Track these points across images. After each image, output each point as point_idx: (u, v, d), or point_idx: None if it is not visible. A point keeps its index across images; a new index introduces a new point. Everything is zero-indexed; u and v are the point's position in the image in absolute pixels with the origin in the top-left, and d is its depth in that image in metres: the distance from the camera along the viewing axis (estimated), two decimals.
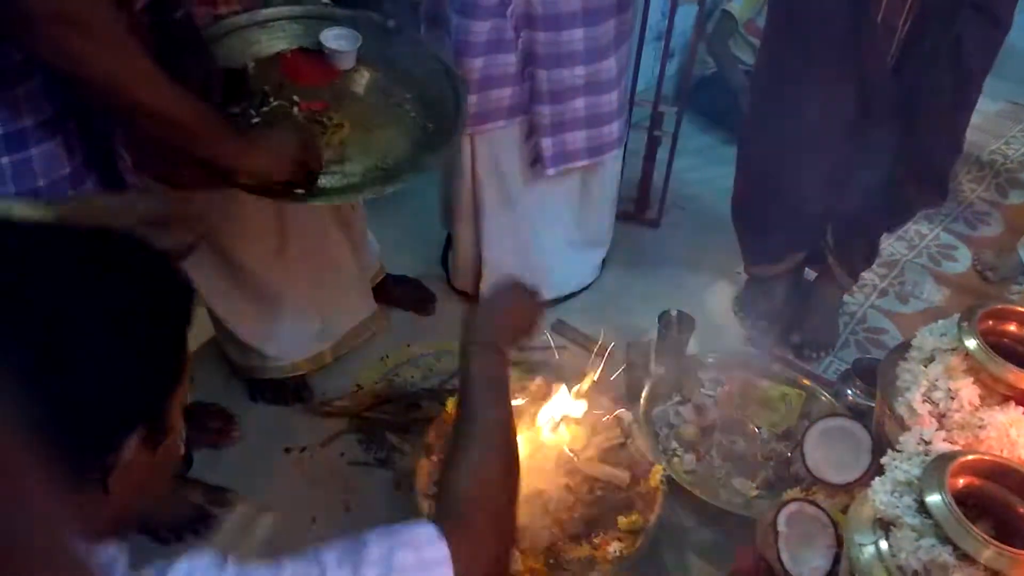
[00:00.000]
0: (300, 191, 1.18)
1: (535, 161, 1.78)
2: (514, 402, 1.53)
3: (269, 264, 1.59)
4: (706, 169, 2.57)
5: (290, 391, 1.74)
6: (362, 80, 1.38)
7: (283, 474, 1.60)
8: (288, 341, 1.71)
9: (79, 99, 0.99)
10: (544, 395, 1.56)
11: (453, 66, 1.46)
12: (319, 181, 1.20)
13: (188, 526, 1.48)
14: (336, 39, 1.36)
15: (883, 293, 2.14)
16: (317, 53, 1.37)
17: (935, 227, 2.40)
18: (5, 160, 0.94)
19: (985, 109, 2.98)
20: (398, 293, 2.00)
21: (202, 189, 1.21)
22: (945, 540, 0.92)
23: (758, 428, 1.64)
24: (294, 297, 1.67)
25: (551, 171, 1.78)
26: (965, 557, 0.91)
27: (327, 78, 1.36)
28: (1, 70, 0.91)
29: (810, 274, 2.02)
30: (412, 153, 1.29)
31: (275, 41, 1.39)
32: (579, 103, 1.72)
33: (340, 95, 1.35)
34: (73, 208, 0.92)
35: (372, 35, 1.40)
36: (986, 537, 0.90)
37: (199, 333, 1.83)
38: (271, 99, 1.31)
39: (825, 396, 1.69)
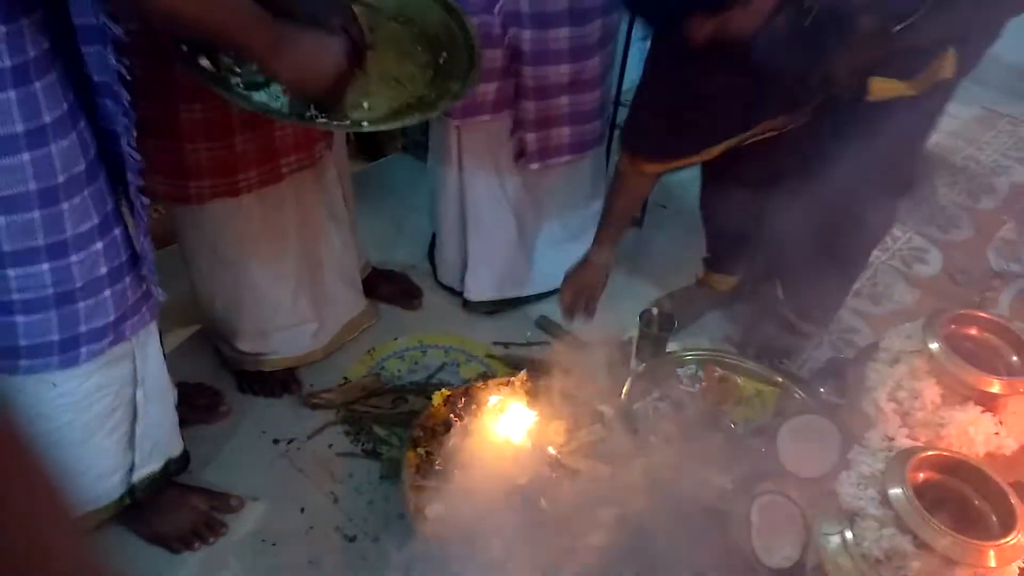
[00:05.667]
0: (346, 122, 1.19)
1: (519, 155, 1.82)
2: (496, 397, 1.61)
3: (270, 265, 1.62)
4: (690, 169, 2.61)
5: (278, 383, 1.78)
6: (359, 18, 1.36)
7: (272, 465, 1.64)
8: (285, 342, 1.75)
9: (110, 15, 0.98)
10: (528, 390, 1.61)
11: None
12: (353, 116, 1.20)
13: (197, 534, 1.49)
14: None
15: (856, 294, 2.21)
16: None
17: (908, 231, 2.47)
18: (12, 93, 0.94)
19: (959, 114, 3.06)
20: (385, 287, 2.04)
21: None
22: (905, 530, 0.98)
23: (734, 424, 1.70)
24: (292, 297, 1.69)
25: (535, 166, 1.82)
26: (924, 546, 0.96)
27: None
28: (10, 1, 0.91)
29: None
30: (436, 84, 1.30)
31: None
32: (563, 100, 1.76)
33: None
34: None
35: None
36: (943, 527, 0.96)
37: (190, 323, 1.86)
38: None
39: (798, 393, 1.75)
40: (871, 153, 1.40)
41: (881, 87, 1.29)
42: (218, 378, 1.78)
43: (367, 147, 2.54)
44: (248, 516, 1.54)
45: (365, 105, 1.23)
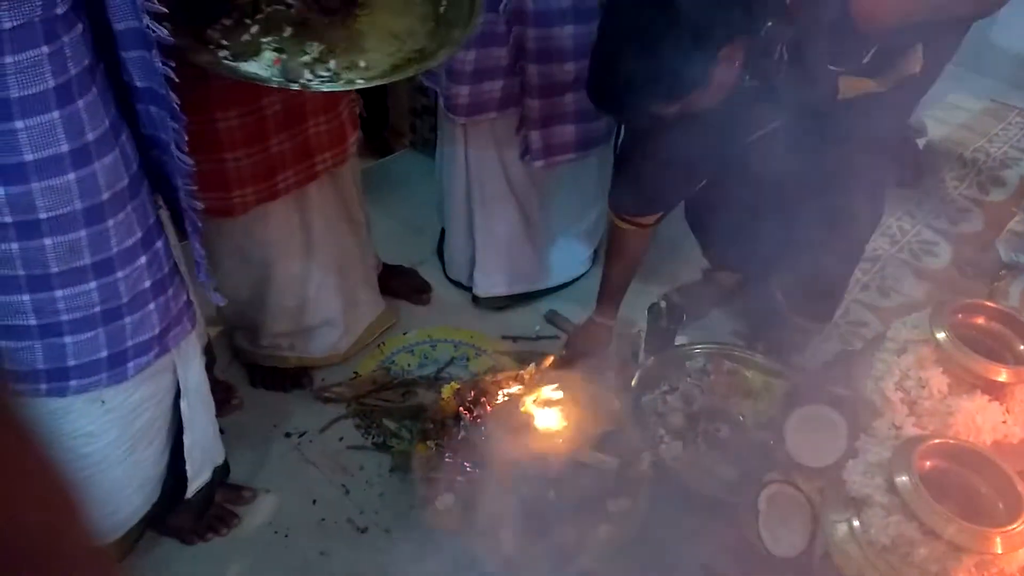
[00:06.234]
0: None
1: (524, 153, 1.83)
2: (506, 391, 1.62)
3: (294, 266, 1.64)
4: None
5: (291, 378, 1.79)
6: None
7: (284, 458, 1.66)
8: (309, 342, 1.77)
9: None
10: (536, 383, 1.62)
11: None
12: (347, 76, 1.18)
13: (211, 526, 1.50)
14: None
15: (865, 287, 2.21)
16: None
17: (917, 223, 2.46)
18: (56, 114, 0.93)
19: (969, 107, 3.05)
20: (394, 283, 2.05)
21: None
22: (912, 517, 0.98)
23: (742, 416, 1.70)
24: (316, 298, 1.71)
25: (539, 163, 1.83)
26: (930, 533, 0.97)
27: None
28: (51, 20, 0.90)
29: None
30: (437, 34, 1.27)
31: None
32: (568, 97, 1.76)
33: None
34: None
35: None
36: (950, 514, 0.97)
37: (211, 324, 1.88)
38: (263, 4, 1.23)
39: (807, 385, 1.75)
40: (847, 148, 1.42)
41: (850, 85, 1.30)
42: (230, 372, 1.80)
43: (376, 143, 2.56)
44: (260, 508, 1.56)
45: (362, 64, 1.20)
